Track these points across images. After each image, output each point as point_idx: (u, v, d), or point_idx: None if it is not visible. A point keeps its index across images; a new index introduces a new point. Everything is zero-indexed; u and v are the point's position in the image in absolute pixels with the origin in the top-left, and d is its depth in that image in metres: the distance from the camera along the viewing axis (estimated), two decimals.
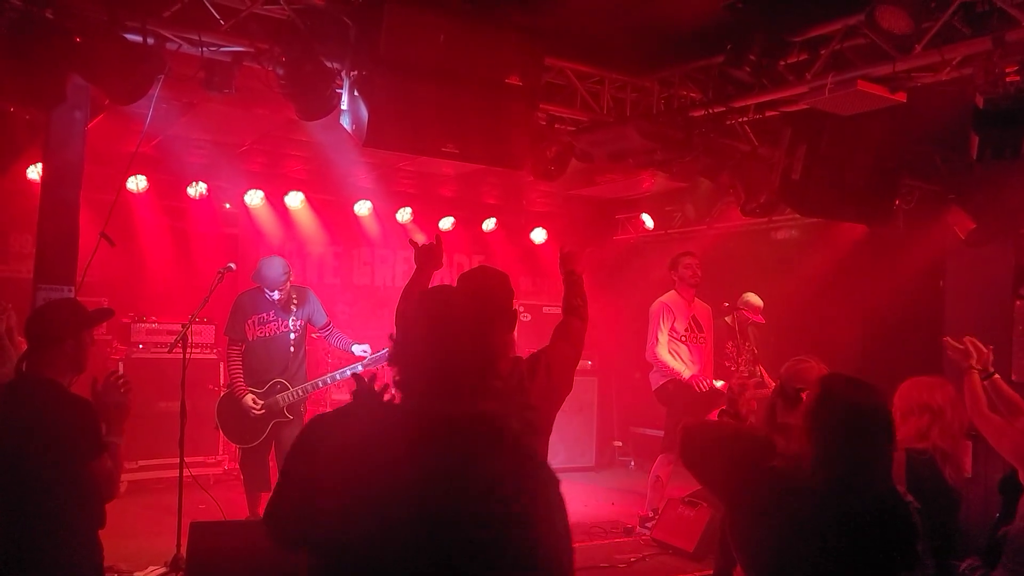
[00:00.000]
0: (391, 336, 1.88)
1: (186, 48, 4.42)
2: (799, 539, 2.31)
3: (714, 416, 6.69)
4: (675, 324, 6.69)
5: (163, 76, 4.43)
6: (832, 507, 2.31)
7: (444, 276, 9.98)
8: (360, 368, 6.18)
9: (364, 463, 1.69)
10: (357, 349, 6.11)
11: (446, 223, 9.53)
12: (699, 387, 6.41)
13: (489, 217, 9.70)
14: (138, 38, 4.22)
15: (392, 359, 1.83)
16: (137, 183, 7.69)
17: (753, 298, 6.97)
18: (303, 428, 1.84)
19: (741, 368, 6.86)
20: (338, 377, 6.27)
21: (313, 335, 7.10)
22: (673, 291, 6.83)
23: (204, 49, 4.39)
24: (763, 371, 6.78)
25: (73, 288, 4.58)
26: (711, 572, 4.66)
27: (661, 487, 6.57)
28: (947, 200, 6.84)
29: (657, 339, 6.63)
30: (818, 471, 2.35)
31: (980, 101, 4.09)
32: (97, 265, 4.90)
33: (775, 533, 2.32)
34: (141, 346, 7.34)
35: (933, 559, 3.02)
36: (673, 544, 5.77)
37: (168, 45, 4.37)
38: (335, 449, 1.74)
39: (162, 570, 4.97)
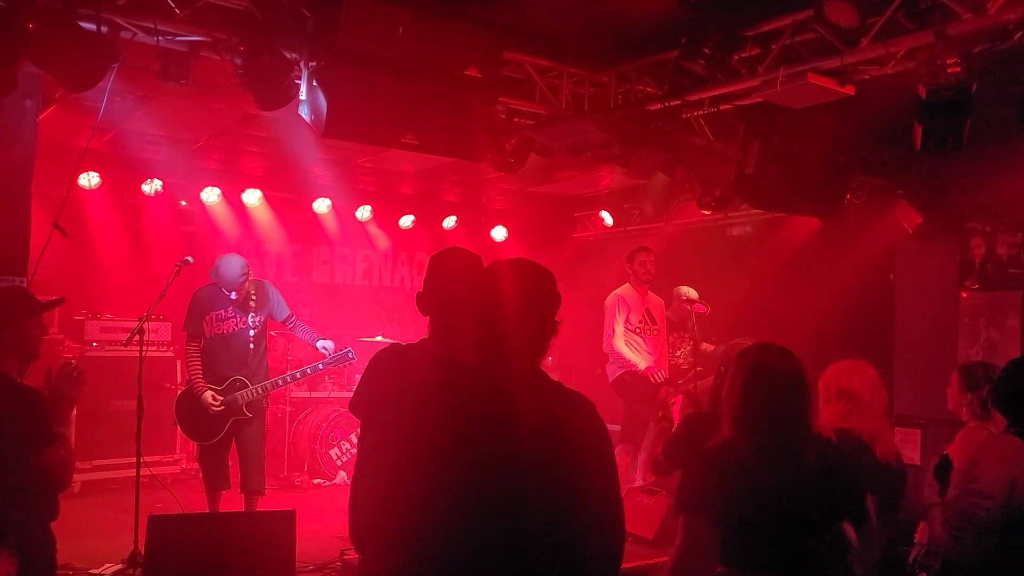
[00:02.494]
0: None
1: (141, 37, 4.37)
2: (750, 500, 2.41)
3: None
4: (629, 316, 6.80)
5: (117, 65, 4.38)
6: (763, 465, 2.45)
7: (414, 273, 9.98)
8: (321, 366, 6.15)
9: (454, 414, 1.89)
10: (320, 344, 6.06)
11: (406, 221, 9.53)
12: (654, 378, 6.51)
13: (449, 215, 9.72)
14: (92, 26, 4.16)
15: (479, 321, 2.02)
16: (89, 179, 7.57)
17: (689, 291, 7.13)
18: (369, 364, 2.05)
19: (680, 362, 7.10)
20: (299, 375, 6.22)
21: (272, 332, 7.05)
22: (628, 284, 6.94)
23: (159, 38, 4.34)
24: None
25: (25, 280, 4.50)
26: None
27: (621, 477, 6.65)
28: (895, 195, 7.06)
29: (613, 331, 6.73)
30: (742, 436, 2.46)
31: (923, 92, 4.24)
32: (49, 262, 4.81)
33: (730, 498, 2.42)
34: (95, 344, 7.21)
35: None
36: (633, 532, 5.83)
37: (123, 33, 4.32)
38: (423, 408, 1.94)
39: (118, 567, 4.89)
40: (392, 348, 2.71)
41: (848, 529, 2.53)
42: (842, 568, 2.49)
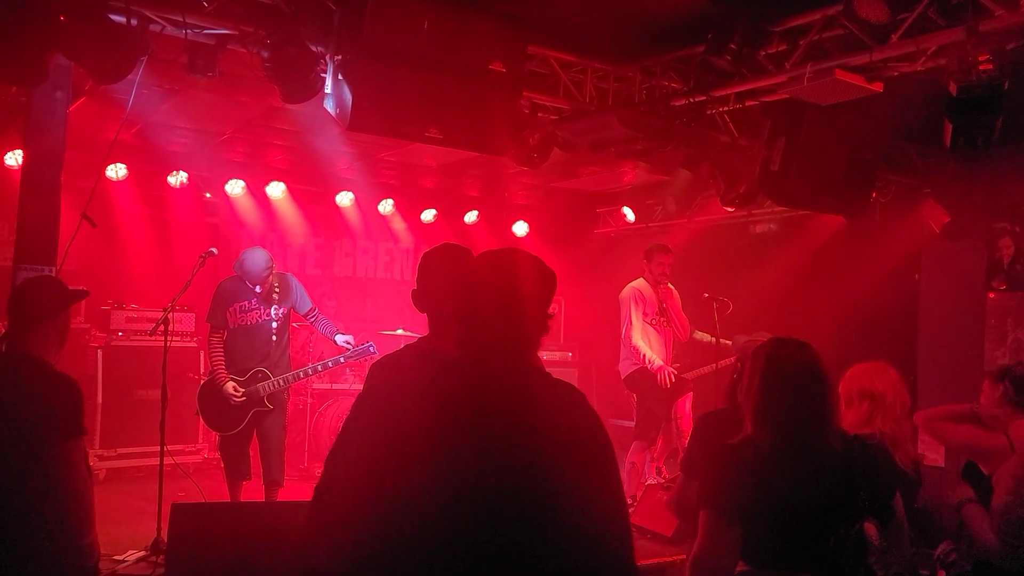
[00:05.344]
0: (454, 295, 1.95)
1: (170, 30, 4.41)
2: (773, 495, 2.41)
3: (684, 403, 6.82)
4: (645, 308, 6.79)
5: (146, 58, 4.42)
6: (786, 461, 2.44)
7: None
8: (342, 360, 6.18)
9: (431, 414, 1.76)
10: (340, 339, 6.07)
11: (428, 215, 9.56)
12: (663, 381, 6.51)
13: (471, 209, 9.74)
14: (122, 18, 4.21)
15: (458, 317, 1.90)
16: (117, 171, 7.66)
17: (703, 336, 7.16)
18: (354, 406, 1.87)
19: None
20: (320, 368, 6.26)
21: (295, 325, 7.09)
22: (642, 278, 6.92)
23: (188, 31, 4.38)
24: None
25: (54, 269, 4.56)
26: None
27: (637, 473, 6.66)
28: (922, 194, 6.97)
29: (631, 323, 6.72)
30: (764, 431, 2.45)
31: (954, 89, 4.19)
32: (76, 253, 4.87)
33: (753, 493, 2.42)
34: (120, 334, 7.30)
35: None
36: (652, 529, 5.83)
37: (152, 26, 4.36)
38: (397, 408, 1.80)
39: (142, 554, 4.94)
40: (384, 356, 2.79)
41: (870, 529, 2.50)
42: (863, 569, 2.47)
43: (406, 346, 2.77)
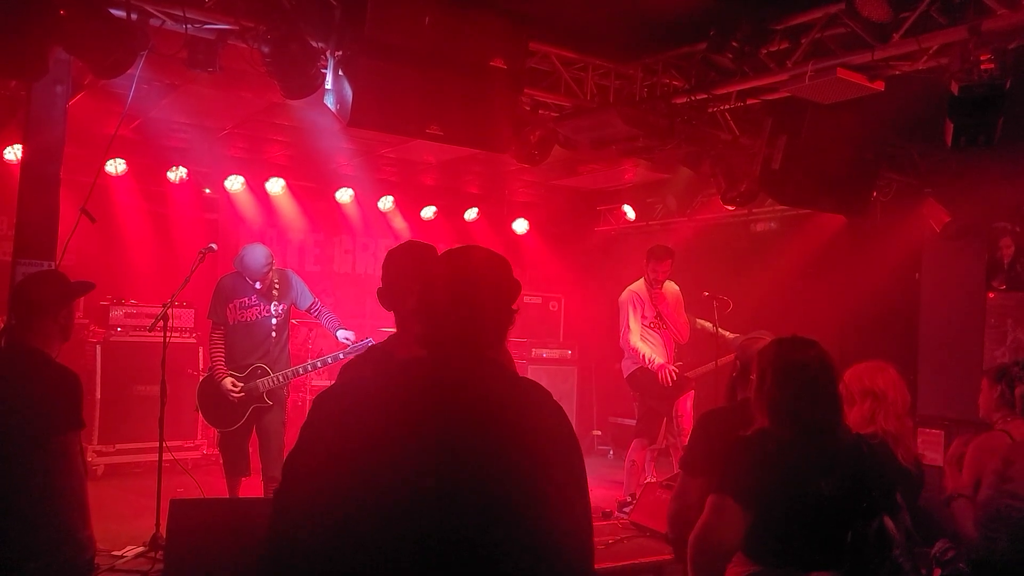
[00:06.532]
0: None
1: (170, 24, 4.40)
2: (792, 488, 2.43)
3: (686, 400, 6.83)
4: (644, 311, 6.79)
5: (146, 53, 4.41)
6: (806, 451, 2.46)
7: None
8: (341, 356, 6.16)
9: (388, 413, 1.73)
10: (341, 335, 6.06)
11: (428, 212, 9.55)
12: (664, 379, 6.50)
13: (471, 207, 9.73)
14: (122, 13, 4.20)
15: (415, 314, 1.88)
16: (116, 166, 7.65)
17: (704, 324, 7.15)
18: (312, 407, 1.84)
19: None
20: (319, 365, 6.24)
21: (294, 321, 7.09)
22: (642, 280, 6.92)
23: (188, 26, 4.37)
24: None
25: (53, 263, 4.56)
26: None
27: (637, 471, 6.66)
28: (923, 193, 6.97)
29: (629, 327, 6.73)
30: (783, 424, 2.48)
31: (956, 88, 4.18)
32: (75, 248, 4.87)
33: (767, 489, 2.43)
34: (119, 329, 7.29)
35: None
36: (651, 527, 5.81)
37: (152, 21, 4.35)
38: (354, 408, 1.78)
39: (140, 549, 4.95)
40: (356, 357, 2.79)
41: (890, 523, 2.51)
42: (888, 563, 2.47)
43: (373, 346, 2.76)
